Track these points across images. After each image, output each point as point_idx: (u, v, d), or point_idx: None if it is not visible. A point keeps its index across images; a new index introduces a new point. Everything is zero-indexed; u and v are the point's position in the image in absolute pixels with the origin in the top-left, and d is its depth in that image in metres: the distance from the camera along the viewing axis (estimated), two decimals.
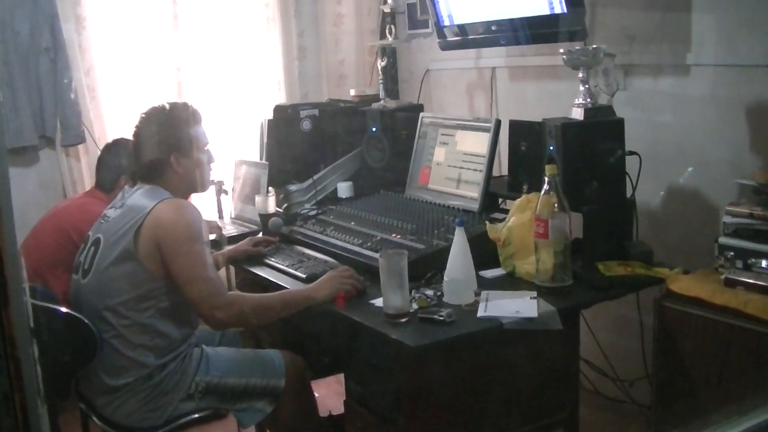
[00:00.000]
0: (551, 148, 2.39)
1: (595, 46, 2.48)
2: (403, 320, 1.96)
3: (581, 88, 2.44)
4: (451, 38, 3.46)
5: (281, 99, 4.11)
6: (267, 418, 2.34)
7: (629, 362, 3.00)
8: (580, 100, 2.43)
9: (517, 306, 2.03)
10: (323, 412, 2.62)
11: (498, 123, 2.69)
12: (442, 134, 2.92)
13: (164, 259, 2.12)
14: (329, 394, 3.19)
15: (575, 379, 2.42)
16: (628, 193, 2.48)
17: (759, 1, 2.54)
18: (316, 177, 3.24)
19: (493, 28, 3.16)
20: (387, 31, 3.70)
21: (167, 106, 2.30)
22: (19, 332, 0.73)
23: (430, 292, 2.12)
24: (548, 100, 3.33)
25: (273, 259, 2.57)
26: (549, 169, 2.13)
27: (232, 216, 3.46)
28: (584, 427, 2.39)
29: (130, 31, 3.74)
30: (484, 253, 2.29)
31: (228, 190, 3.49)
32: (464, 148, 2.80)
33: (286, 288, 2.31)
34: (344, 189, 3.27)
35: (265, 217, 2.88)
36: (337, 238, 2.59)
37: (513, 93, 3.63)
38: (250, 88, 4.11)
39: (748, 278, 2.11)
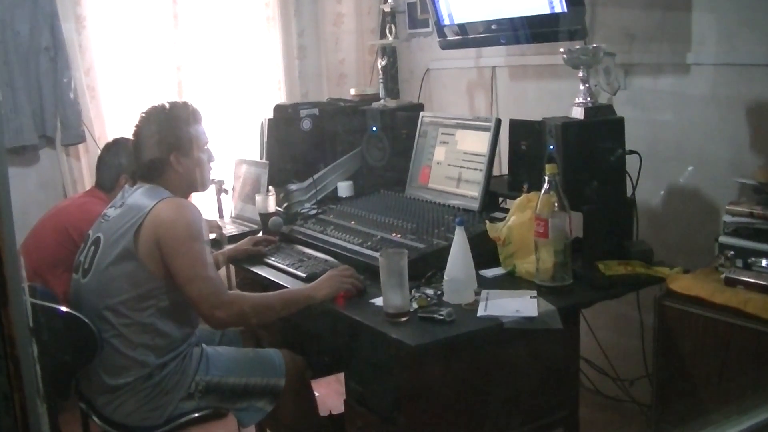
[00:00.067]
0: (551, 147, 2.39)
1: (595, 45, 2.48)
2: (403, 319, 1.96)
3: (581, 87, 2.43)
4: (451, 37, 3.46)
5: (281, 98, 4.11)
6: (267, 418, 2.35)
7: (629, 361, 3.00)
8: (581, 100, 2.42)
9: (517, 305, 2.03)
10: (323, 412, 2.62)
11: (498, 122, 2.69)
12: (443, 133, 2.92)
13: (164, 258, 2.12)
14: (329, 394, 3.19)
15: (575, 378, 2.42)
16: (629, 193, 2.47)
17: (759, 1, 2.54)
18: (316, 176, 3.24)
19: (494, 27, 3.16)
20: (387, 31, 3.69)
21: (167, 106, 2.30)
22: (18, 332, 0.73)
23: (430, 292, 2.12)
24: (548, 99, 3.33)
25: (273, 259, 2.57)
26: (549, 168, 2.13)
27: (233, 215, 3.46)
28: (584, 426, 2.39)
29: (130, 30, 3.73)
30: (485, 252, 2.29)
31: (228, 189, 3.49)
32: (464, 147, 2.80)
33: (287, 287, 2.31)
34: (344, 188, 3.27)
35: (265, 217, 2.88)
36: (337, 238, 2.59)
37: (513, 92, 3.63)
38: (251, 87, 4.11)
39: (749, 277, 2.10)
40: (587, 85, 2.43)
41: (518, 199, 2.36)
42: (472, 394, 2.07)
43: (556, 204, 2.11)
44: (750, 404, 1.44)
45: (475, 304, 2.04)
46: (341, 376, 2.32)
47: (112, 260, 2.15)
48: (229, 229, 3.23)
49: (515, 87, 3.62)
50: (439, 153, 2.90)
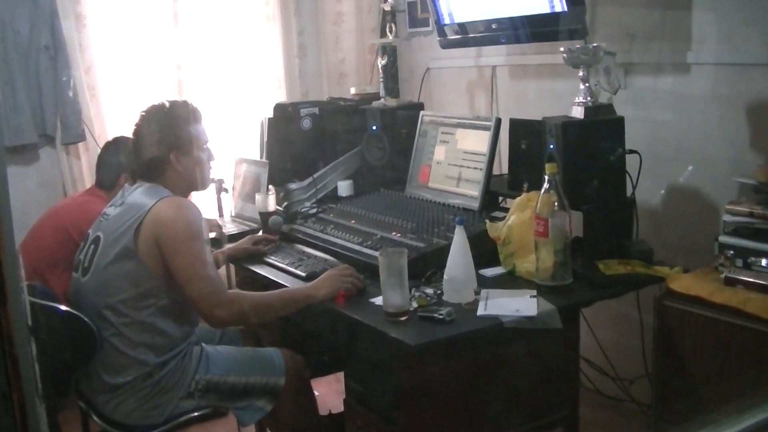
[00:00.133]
0: (551, 146, 2.39)
1: (595, 44, 2.48)
2: (403, 319, 1.96)
3: (581, 86, 2.44)
4: (451, 36, 3.46)
5: (281, 97, 4.11)
6: (267, 417, 2.35)
7: (629, 361, 3.00)
8: (581, 99, 2.43)
9: (517, 305, 2.03)
10: (323, 411, 2.62)
11: (498, 121, 2.69)
12: (443, 133, 2.91)
13: (164, 257, 2.12)
14: (329, 393, 3.19)
15: (575, 377, 2.42)
16: (629, 192, 2.48)
17: (759, 0, 2.54)
18: (316, 175, 3.24)
19: (494, 26, 3.16)
20: (387, 30, 3.69)
21: (167, 105, 2.29)
22: (17, 331, 0.73)
23: (430, 291, 2.12)
24: (548, 98, 3.33)
25: (273, 258, 2.57)
26: (549, 167, 2.13)
27: (232, 214, 3.46)
28: (584, 425, 2.39)
29: (130, 29, 3.73)
30: (484, 251, 2.29)
31: (228, 188, 3.49)
32: (464, 146, 2.80)
33: (286, 286, 2.31)
34: (344, 187, 3.27)
35: (265, 216, 2.88)
36: (337, 237, 2.59)
37: (513, 91, 3.62)
38: (251, 86, 4.11)
39: (748, 277, 2.11)
40: (587, 85, 2.43)
41: (518, 198, 2.36)
42: (472, 393, 2.07)
43: (556, 203, 2.11)
44: (749, 403, 1.44)
45: (475, 303, 2.04)
46: (341, 375, 2.32)
47: (112, 259, 2.15)
48: (229, 228, 3.23)
49: (515, 86, 3.62)
50: (439, 152, 2.90)
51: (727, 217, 2.26)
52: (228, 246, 2.77)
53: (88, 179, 3.59)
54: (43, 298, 2.22)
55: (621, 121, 2.40)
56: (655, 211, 2.94)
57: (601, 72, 2.52)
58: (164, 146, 2.25)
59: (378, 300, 2.06)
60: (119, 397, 2.17)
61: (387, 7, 3.75)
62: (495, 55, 3.64)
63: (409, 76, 4.30)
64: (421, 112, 3.09)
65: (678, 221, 2.88)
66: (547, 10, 2.83)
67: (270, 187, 3.09)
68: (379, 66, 3.59)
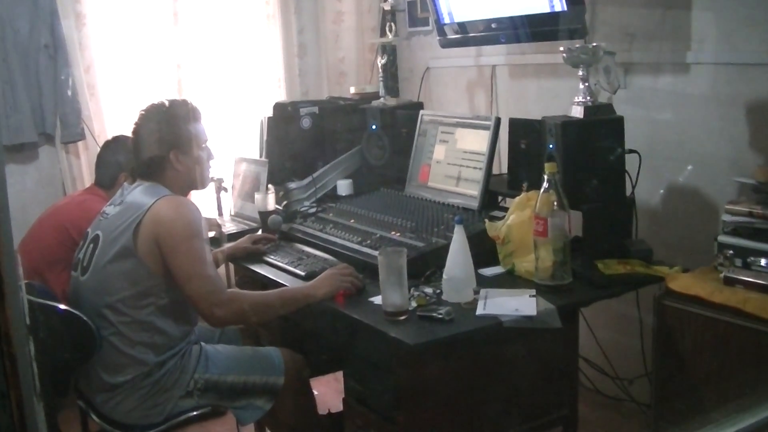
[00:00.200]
0: (551, 146, 2.39)
1: (595, 44, 2.48)
2: (402, 318, 1.96)
3: (581, 86, 2.43)
4: (451, 36, 3.46)
5: (281, 96, 4.11)
6: (266, 416, 2.34)
7: (629, 360, 3.00)
8: (580, 98, 2.43)
9: (517, 304, 2.02)
10: (322, 410, 2.62)
11: (498, 121, 2.69)
12: (442, 132, 2.91)
13: (163, 256, 2.12)
14: (328, 392, 3.19)
15: (574, 377, 2.42)
16: (628, 192, 2.48)
17: (758, 0, 2.54)
18: (315, 174, 3.24)
19: (494, 25, 3.16)
20: (387, 29, 3.69)
21: (166, 103, 2.29)
22: (15, 330, 0.73)
23: (429, 290, 2.12)
24: (548, 98, 3.33)
25: (272, 257, 2.57)
26: (549, 167, 2.13)
27: (232, 213, 3.46)
28: (583, 425, 2.39)
29: (130, 28, 3.73)
30: (484, 251, 2.29)
31: (228, 187, 3.49)
32: (464, 146, 2.80)
33: (286, 286, 2.31)
34: (344, 187, 3.27)
35: (264, 215, 2.88)
36: (336, 236, 2.59)
37: (513, 91, 3.62)
38: (250, 85, 4.11)
39: (748, 277, 2.10)
40: (587, 84, 2.43)
41: (518, 197, 2.36)
42: (471, 392, 2.07)
43: (555, 203, 2.11)
44: (749, 403, 1.44)
45: (474, 302, 2.04)
46: (340, 374, 2.32)
47: (111, 258, 2.15)
48: (229, 227, 3.23)
49: (515, 86, 3.62)
50: (439, 152, 2.90)
51: (726, 217, 2.26)
52: (227, 245, 2.77)
53: (88, 178, 3.59)
54: (43, 297, 2.22)
55: (620, 120, 2.40)
56: (654, 210, 2.94)
57: (600, 71, 2.52)
58: (164, 145, 2.25)
59: (377, 299, 2.06)
60: (118, 396, 2.17)
61: (387, 7, 3.75)
62: (495, 54, 3.64)
63: (409, 76, 4.29)
64: (421, 112, 3.09)
65: (677, 221, 2.88)
66: (547, 10, 2.83)
67: (269, 186, 3.09)
68: (379, 65, 3.59)
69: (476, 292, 2.09)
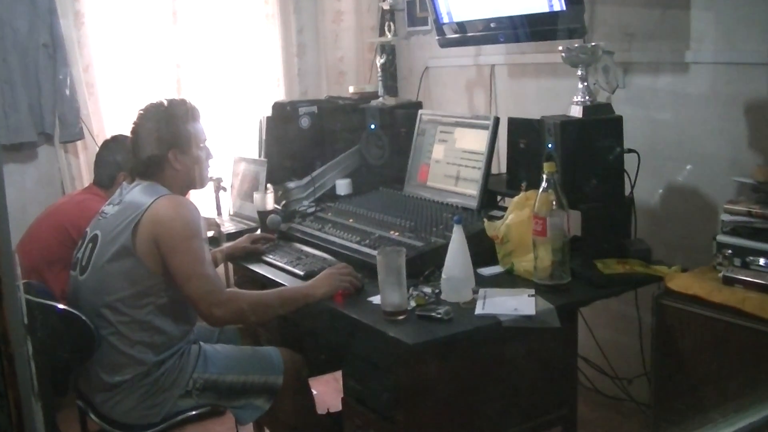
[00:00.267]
0: (550, 145, 2.39)
1: (594, 43, 2.48)
2: (401, 318, 1.96)
3: (580, 85, 2.43)
4: (450, 35, 3.46)
5: (280, 96, 4.11)
6: (265, 416, 2.34)
7: (628, 360, 3.00)
8: (579, 98, 2.42)
9: (515, 304, 2.02)
10: (321, 410, 2.62)
11: (497, 120, 2.69)
12: (441, 131, 2.91)
13: (162, 255, 2.12)
14: (327, 392, 3.19)
15: (573, 376, 2.42)
16: (627, 191, 2.48)
17: None
18: (314, 174, 3.24)
19: (493, 25, 3.15)
20: (386, 28, 3.69)
21: (165, 103, 2.29)
22: (12, 329, 0.73)
23: (428, 290, 2.12)
24: (547, 97, 3.33)
25: (271, 257, 2.57)
26: (547, 166, 2.13)
27: (231, 213, 3.46)
28: (582, 424, 2.39)
29: (128, 27, 3.73)
30: (483, 250, 2.29)
31: (227, 186, 3.49)
32: (463, 145, 2.80)
33: (285, 285, 2.31)
34: (343, 186, 3.27)
35: (263, 214, 2.88)
36: (335, 236, 2.58)
37: (512, 90, 3.62)
38: (249, 84, 4.11)
39: (746, 276, 2.10)
40: (586, 84, 2.43)
41: (516, 197, 2.35)
42: (470, 392, 2.07)
43: (554, 202, 2.11)
44: (748, 402, 1.44)
45: (473, 302, 2.04)
46: (339, 374, 2.32)
47: (110, 257, 2.15)
48: (228, 226, 3.23)
49: (514, 85, 3.62)
50: (438, 151, 2.90)
51: (725, 217, 2.26)
52: (226, 244, 2.76)
53: (87, 177, 3.59)
54: (41, 297, 2.22)
55: (619, 120, 2.40)
56: (653, 210, 2.94)
57: (599, 71, 2.52)
58: (162, 144, 2.25)
59: (376, 299, 2.06)
60: (117, 395, 2.17)
61: (386, 6, 3.75)
62: (494, 54, 3.64)
63: (408, 75, 4.29)
64: (420, 111, 3.09)
65: (676, 220, 2.88)
66: (546, 9, 2.83)
67: (268, 185, 3.09)
68: (378, 65, 3.59)
69: (475, 292, 2.09)
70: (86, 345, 2.14)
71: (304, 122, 3.38)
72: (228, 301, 2.13)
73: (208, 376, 2.24)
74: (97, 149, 3.24)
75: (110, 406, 2.17)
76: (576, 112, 2.40)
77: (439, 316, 1.94)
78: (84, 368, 2.21)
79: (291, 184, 3.18)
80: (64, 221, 2.92)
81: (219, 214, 3.49)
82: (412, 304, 2.02)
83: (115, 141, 3.11)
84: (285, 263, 2.48)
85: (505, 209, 2.45)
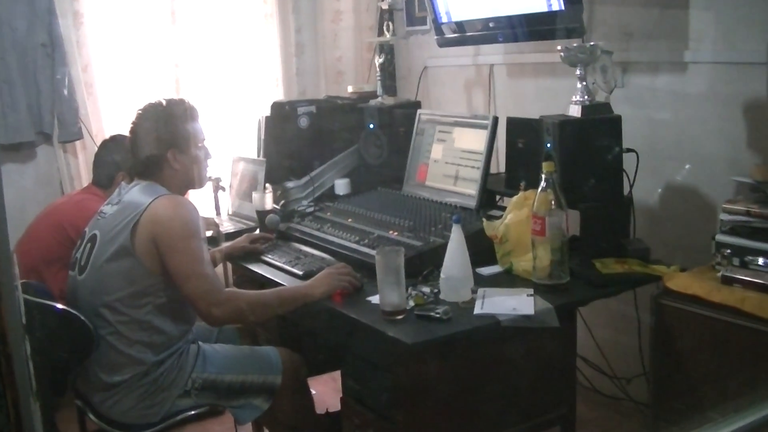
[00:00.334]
0: (549, 145, 2.39)
1: (592, 43, 2.48)
2: (400, 317, 1.96)
3: (579, 85, 2.43)
4: (449, 35, 3.46)
5: (279, 95, 4.10)
6: (264, 415, 2.35)
7: (626, 359, 3.00)
8: (578, 98, 2.42)
9: (514, 303, 2.02)
10: (320, 409, 2.62)
11: (495, 120, 2.69)
12: (440, 131, 2.91)
13: (161, 255, 2.12)
14: (326, 391, 3.19)
15: (572, 376, 2.42)
16: (626, 191, 2.48)
17: None
18: (313, 174, 3.24)
19: (491, 25, 3.16)
20: (385, 28, 3.69)
21: (164, 103, 2.29)
22: (10, 329, 0.73)
23: (426, 290, 2.12)
24: (546, 97, 3.33)
25: (270, 256, 2.57)
26: (546, 166, 2.13)
27: (230, 213, 3.46)
28: (581, 424, 2.39)
29: (127, 27, 3.73)
30: (482, 250, 2.29)
31: (225, 186, 3.48)
32: (462, 145, 2.79)
33: (283, 285, 2.31)
34: (341, 186, 3.27)
35: (262, 214, 2.88)
36: (334, 235, 2.58)
37: (511, 90, 3.62)
38: (248, 84, 4.10)
39: (745, 276, 2.10)
40: (584, 83, 2.43)
41: (515, 197, 2.35)
42: (469, 391, 2.07)
43: (553, 202, 2.11)
44: (747, 402, 1.44)
45: (472, 302, 2.04)
46: (338, 374, 2.32)
47: (109, 257, 2.15)
48: (226, 226, 3.23)
49: (513, 85, 3.62)
50: (437, 151, 2.90)
51: (724, 216, 2.26)
52: (225, 244, 2.76)
53: (86, 177, 3.59)
54: (40, 297, 2.22)
55: (618, 119, 2.40)
56: (652, 209, 2.94)
57: (597, 71, 2.52)
58: (161, 144, 2.24)
59: (375, 298, 2.06)
60: (116, 395, 2.16)
61: (385, 6, 3.75)
62: (492, 53, 3.64)
63: (407, 75, 4.29)
64: (419, 111, 3.09)
65: (675, 220, 2.88)
66: (545, 9, 2.83)
67: (267, 185, 3.09)
68: (377, 64, 3.59)
69: (474, 292, 2.09)
70: (85, 345, 2.14)
71: (303, 122, 3.38)
72: (227, 300, 2.13)
73: (206, 376, 2.24)
74: (96, 149, 3.24)
75: (109, 405, 2.17)
76: (575, 111, 2.40)
77: (438, 315, 1.94)
78: (83, 368, 2.21)
79: (290, 184, 3.18)
80: (63, 221, 2.91)
81: (218, 213, 3.48)
82: (411, 303, 2.02)
83: (114, 141, 3.11)
84: (284, 263, 2.48)
85: (504, 209, 2.45)
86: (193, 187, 2.40)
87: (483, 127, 2.71)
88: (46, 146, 3.63)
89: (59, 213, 2.99)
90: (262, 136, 3.46)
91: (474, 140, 2.73)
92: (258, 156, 3.45)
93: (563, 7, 2.75)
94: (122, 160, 2.96)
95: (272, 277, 2.41)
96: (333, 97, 3.71)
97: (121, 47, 3.73)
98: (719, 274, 2.15)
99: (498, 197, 2.81)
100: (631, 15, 2.93)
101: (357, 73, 4.40)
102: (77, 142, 3.63)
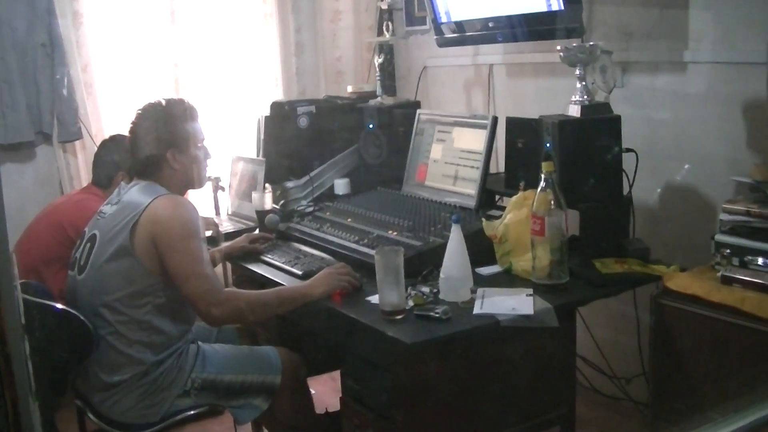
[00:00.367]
0: (548, 145, 2.39)
1: (592, 43, 2.48)
2: (399, 317, 1.96)
3: (578, 85, 2.43)
4: (448, 35, 3.46)
5: (278, 95, 4.10)
6: (263, 415, 2.35)
7: (626, 359, 3.00)
8: (577, 97, 2.42)
9: (514, 303, 2.02)
10: (319, 409, 2.62)
11: (495, 120, 2.69)
12: (439, 131, 2.91)
13: (161, 255, 2.12)
14: (325, 391, 3.19)
15: (572, 376, 2.42)
16: (625, 191, 2.48)
17: None
18: (312, 174, 3.24)
19: (491, 25, 3.15)
20: (384, 28, 3.69)
21: (163, 102, 2.29)
22: (10, 329, 0.73)
23: (426, 289, 2.12)
24: (545, 97, 3.33)
25: (269, 256, 2.57)
26: (546, 166, 2.13)
27: (229, 212, 3.46)
28: (581, 424, 2.39)
29: (127, 27, 3.72)
30: (481, 250, 2.28)
31: (225, 186, 3.48)
32: (461, 145, 2.79)
33: (283, 285, 2.31)
34: (341, 186, 3.27)
35: (261, 214, 2.88)
36: (333, 235, 2.58)
37: (510, 90, 3.62)
38: (248, 84, 4.10)
39: (745, 276, 2.10)
40: (584, 83, 2.43)
41: (515, 196, 2.35)
42: (469, 391, 2.07)
43: (552, 202, 2.11)
44: (746, 402, 1.44)
45: (472, 302, 2.04)
46: (337, 373, 2.32)
47: (108, 257, 2.15)
48: (226, 226, 3.23)
49: (512, 85, 3.62)
50: (436, 151, 2.90)
51: (723, 216, 2.26)
52: (224, 244, 2.76)
53: (85, 177, 3.59)
54: (40, 297, 2.22)
55: (617, 119, 2.40)
56: (651, 209, 2.94)
57: (597, 71, 2.52)
58: (161, 144, 2.24)
59: (374, 298, 2.06)
60: (116, 395, 2.16)
61: (384, 6, 3.75)
62: (492, 53, 3.64)
63: (406, 75, 4.29)
64: (418, 111, 3.09)
65: (675, 220, 2.88)
66: (544, 9, 2.83)
67: (267, 185, 3.09)
68: (376, 64, 3.59)
69: (473, 291, 2.09)
70: (84, 344, 2.14)
71: (303, 122, 3.38)
72: (226, 300, 2.13)
73: (206, 376, 2.24)
74: (96, 149, 3.24)
75: (109, 405, 2.17)
76: (574, 111, 2.40)
77: (437, 315, 1.94)
78: (82, 368, 2.21)
79: (289, 184, 3.18)
80: (63, 221, 2.91)
81: (217, 213, 3.48)
82: (411, 303, 2.02)
83: (114, 141, 3.10)
84: (283, 263, 2.47)
85: (503, 209, 2.45)
86: (193, 187, 2.40)
87: (482, 127, 2.71)
88: (46, 146, 3.63)
89: (59, 213, 2.99)
90: (262, 136, 3.46)
91: (473, 140, 2.73)
92: (257, 156, 3.45)
93: (563, 7, 2.75)
94: (122, 159, 2.96)
95: (272, 277, 2.41)
96: (332, 97, 3.71)
97: (120, 47, 3.73)
98: (719, 274, 2.15)
99: (497, 197, 2.81)
100: (630, 15, 2.93)
101: (356, 73, 4.40)
102: (77, 142, 3.63)
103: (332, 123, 3.44)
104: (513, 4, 2.99)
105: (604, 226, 2.38)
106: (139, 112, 2.30)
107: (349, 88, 3.67)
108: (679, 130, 2.84)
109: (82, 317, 2.14)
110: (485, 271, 2.30)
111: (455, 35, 3.42)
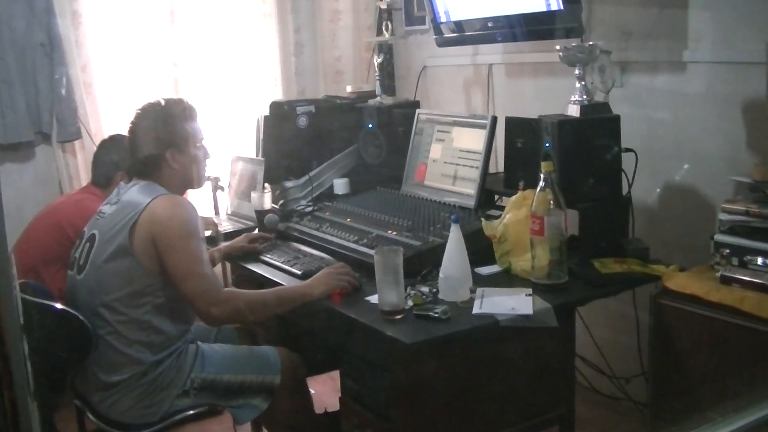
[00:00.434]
0: (547, 144, 2.39)
1: (591, 42, 2.48)
2: (399, 317, 1.96)
3: (577, 84, 2.44)
4: (447, 35, 3.46)
5: (278, 95, 4.10)
6: (263, 415, 2.34)
7: (625, 359, 3.00)
8: (577, 97, 2.43)
9: (513, 303, 2.02)
10: (319, 409, 2.62)
11: (494, 120, 2.69)
12: (439, 131, 2.91)
13: (160, 255, 2.12)
14: (325, 391, 3.19)
15: (571, 376, 2.42)
16: (624, 190, 2.48)
17: None
18: (312, 173, 3.24)
19: (490, 24, 3.15)
20: (384, 28, 3.69)
21: (162, 102, 2.29)
22: (8, 329, 0.72)
23: (425, 289, 2.12)
24: (545, 96, 3.33)
25: (269, 256, 2.57)
26: (545, 165, 2.13)
27: (228, 212, 3.46)
28: (580, 424, 2.39)
29: (126, 26, 3.72)
30: (480, 249, 2.29)
31: (224, 186, 3.48)
32: (460, 144, 2.79)
33: (282, 285, 2.31)
34: (340, 185, 3.27)
35: (260, 214, 2.88)
36: (332, 235, 2.58)
37: (509, 90, 3.62)
38: (247, 84, 4.10)
39: (744, 275, 2.10)
40: (583, 83, 2.43)
41: (514, 196, 2.35)
42: (468, 391, 2.07)
43: (551, 201, 2.11)
44: (746, 402, 1.44)
45: (471, 301, 2.04)
46: (337, 373, 2.32)
47: (108, 257, 2.15)
48: (225, 226, 3.22)
49: (511, 84, 3.62)
50: (435, 150, 2.90)
51: (723, 216, 2.26)
52: (224, 244, 2.76)
53: (84, 177, 3.59)
54: (39, 296, 2.21)
55: (617, 119, 2.40)
56: (651, 209, 2.94)
57: (596, 70, 2.52)
58: (160, 144, 2.24)
59: (374, 298, 2.06)
60: (115, 395, 2.16)
61: (383, 5, 3.75)
62: (491, 53, 3.64)
63: (406, 74, 4.29)
64: (418, 110, 3.08)
65: (674, 220, 2.88)
66: (543, 9, 2.83)
67: (266, 185, 3.08)
68: (376, 64, 3.59)
69: (473, 291, 2.09)
70: (84, 344, 2.14)
71: (302, 121, 3.38)
72: (225, 300, 2.13)
73: (205, 376, 2.24)
74: (95, 149, 3.24)
75: (108, 405, 2.17)
76: (573, 111, 2.41)
77: (436, 315, 1.94)
78: (81, 368, 2.21)
79: (288, 184, 3.18)
80: (62, 221, 2.91)
81: (216, 213, 3.48)
82: (410, 303, 2.02)
83: (113, 140, 3.10)
84: (282, 263, 2.47)
85: (502, 208, 2.45)
86: (192, 187, 2.40)
87: (482, 126, 2.71)
88: (45, 146, 3.63)
89: (58, 213, 2.99)
90: (261, 136, 3.46)
91: (473, 140, 2.73)
92: (257, 155, 3.45)
93: (562, 7, 2.75)
94: (121, 159, 2.95)
95: (271, 277, 2.41)
96: (332, 96, 3.71)
97: (119, 47, 3.73)
98: (718, 274, 2.15)
99: (497, 197, 2.81)
100: (629, 14, 2.93)
101: (356, 73, 4.40)
102: (76, 142, 3.63)
103: (331, 123, 3.44)
104: (512, 3, 2.99)
105: (603, 225, 2.38)
106: (139, 112, 2.30)
107: (349, 88, 3.67)
108: (678, 130, 2.84)
109: (81, 317, 2.14)
110: (484, 270, 2.30)
111: (454, 35, 3.42)
